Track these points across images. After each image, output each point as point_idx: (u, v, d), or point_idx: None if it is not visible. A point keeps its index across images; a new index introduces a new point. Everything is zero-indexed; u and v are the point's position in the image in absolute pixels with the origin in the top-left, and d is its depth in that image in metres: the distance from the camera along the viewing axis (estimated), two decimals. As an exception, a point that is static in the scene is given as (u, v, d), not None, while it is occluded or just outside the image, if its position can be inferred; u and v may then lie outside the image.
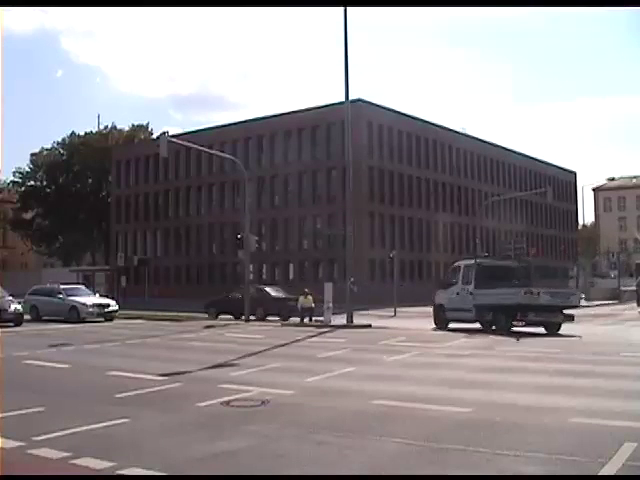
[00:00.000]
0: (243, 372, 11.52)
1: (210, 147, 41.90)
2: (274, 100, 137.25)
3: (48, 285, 30.99)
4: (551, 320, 19.27)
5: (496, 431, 7.04)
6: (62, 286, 28.66)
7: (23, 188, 71.14)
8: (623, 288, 51.85)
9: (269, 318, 26.88)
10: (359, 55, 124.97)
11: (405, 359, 13.65)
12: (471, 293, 20.72)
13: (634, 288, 44.07)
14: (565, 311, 19.75)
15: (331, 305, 24.17)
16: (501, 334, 18.63)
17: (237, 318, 26.97)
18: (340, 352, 14.89)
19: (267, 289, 29.32)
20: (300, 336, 19.21)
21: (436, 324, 22.01)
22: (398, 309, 31.07)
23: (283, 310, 26.65)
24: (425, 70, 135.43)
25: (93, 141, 68.19)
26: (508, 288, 19.96)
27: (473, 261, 22.31)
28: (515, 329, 19.51)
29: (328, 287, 24.75)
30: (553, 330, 19.19)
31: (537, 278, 20.72)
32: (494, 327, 20.04)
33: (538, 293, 19.06)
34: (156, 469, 5.63)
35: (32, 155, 70.59)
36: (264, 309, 27.21)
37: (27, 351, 14.83)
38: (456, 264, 23.26)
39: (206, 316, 28.28)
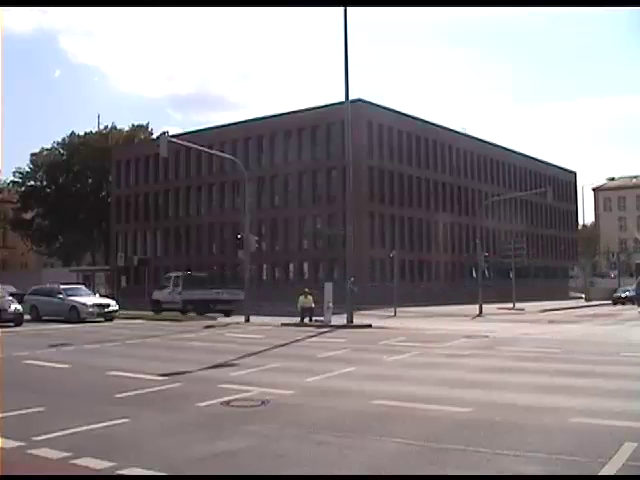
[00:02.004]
0: (243, 372, 11.52)
1: (210, 147, 41.89)
2: (274, 100, 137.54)
3: (48, 285, 31.02)
4: (227, 308, 29.47)
5: (496, 431, 7.03)
6: (62, 286, 28.67)
7: (23, 188, 71.04)
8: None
9: None
10: (359, 55, 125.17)
11: (405, 359, 13.64)
12: (180, 293, 31.07)
13: (634, 288, 44.31)
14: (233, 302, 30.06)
15: (331, 305, 24.18)
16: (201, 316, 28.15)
17: None
18: (340, 352, 14.89)
19: None
20: (300, 336, 19.22)
21: (154, 312, 30.52)
22: (398, 309, 31.10)
23: None
24: (425, 70, 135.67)
25: (93, 141, 68.12)
26: (205, 289, 30.60)
27: (181, 273, 33.80)
28: (209, 315, 28.35)
29: (328, 287, 24.76)
30: (228, 315, 28.79)
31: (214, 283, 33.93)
32: (194, 314, 29.24)
33: (222, 292, 30.50)
34: (156, 469, 5.63)
35: (32, 155, 70.51)
36: None
37: (27, 351, 14.82)
38: (167, 275, 34.90)
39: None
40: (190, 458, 6.03)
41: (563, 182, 72.99)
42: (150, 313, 30.26)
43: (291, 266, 50.32)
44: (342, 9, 24.45)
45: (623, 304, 43.45)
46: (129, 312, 30.21)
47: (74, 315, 26.11)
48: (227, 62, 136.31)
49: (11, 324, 23.60)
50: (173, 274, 33.88)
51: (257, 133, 51.61)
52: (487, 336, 18.93)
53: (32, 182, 71.13)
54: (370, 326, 23.00)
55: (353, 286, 24.56)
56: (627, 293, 45.87)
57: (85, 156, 65.84)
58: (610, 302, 45.52)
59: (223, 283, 36.32)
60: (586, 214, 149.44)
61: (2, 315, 23.77)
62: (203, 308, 29.49)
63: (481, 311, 32.24)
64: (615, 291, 48.69)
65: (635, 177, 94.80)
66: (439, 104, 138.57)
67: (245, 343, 17.22)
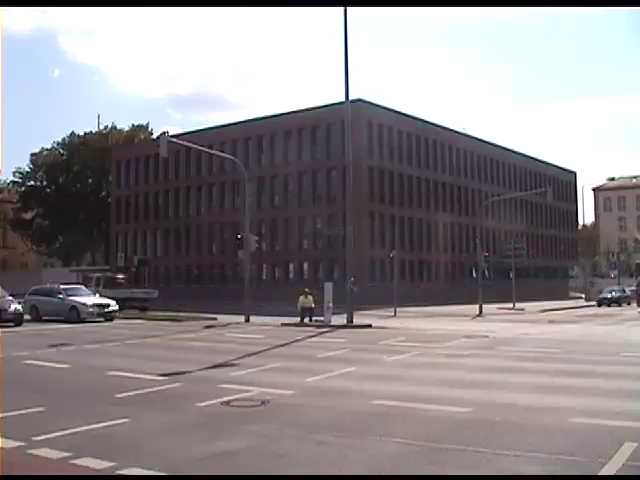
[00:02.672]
0: (243, 372, 11.52)
1: (210, 147, 41.89)
2: (274, 100, 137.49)
3: (48, 285, 31.00)
4: (143, 305, 33.41)
5: (496, 431, 7.03)
6: (62, 286, 28.65)
7: (23, 188, 71.06)
8: (623, 288, 51.70)
9: None
10: (359, 55, 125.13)
11: (405, 359, 13.64)
12: (98, 292, 31.83)
13: (634, 288, 44.19)
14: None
15: (331, 305, 24.18)
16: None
17: None
18: (340, 352, 14.89)
19: None
20: (300, 336, 19.22)
21: None
22: (398, 309, 31.11)
23: None
24: (425, 70, 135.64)
25: (93, 141, 68.13)
26: (123, 289, 34.85)
27: (101, 274, 38.94)
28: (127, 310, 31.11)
29: (328, 287, 24.76)
30: (143, 310, 32.20)
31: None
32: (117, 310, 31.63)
33: (137, 292, 35.37)
34: (156, 469, 5.63)
35: (32, 155, 70.53)
36: None
37: (27, 351, 14.82)
38: (90, 275, 39.97)
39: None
40: (190, 458, 6.03)
41: (563, 182, 72.99)
42: (150, 313, 30.28)
43: (291, 266, 50.32)
44: (342, 9, 24.47)
45: (608, 306, 41.61)
46: (129, 312, 30.24)
47: (74, 315, 26.08)
48: (227, 62, 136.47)
49: (11, 324, 23.57)
50: (95, 275, 38.81)
51: (257, 133, 51.61)
52: (487, 336, 18.94)
53: (32, 182, 71.14)
54: (370, 326, 23.00)
55: (353, 286, 24.56)
56: (613, 294, 44.09)
57: (85, 156, 65.85)
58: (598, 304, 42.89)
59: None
60: (586, 214, 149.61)
61: (2, 315, 23.73)
62: (120, 305, 30.99)
63: (481, 311, 32.24)
64: (600, 292, 45.91)
65: (635, 177, 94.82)
66: (439, 104, 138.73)
67: (245, 343, 17.22)
